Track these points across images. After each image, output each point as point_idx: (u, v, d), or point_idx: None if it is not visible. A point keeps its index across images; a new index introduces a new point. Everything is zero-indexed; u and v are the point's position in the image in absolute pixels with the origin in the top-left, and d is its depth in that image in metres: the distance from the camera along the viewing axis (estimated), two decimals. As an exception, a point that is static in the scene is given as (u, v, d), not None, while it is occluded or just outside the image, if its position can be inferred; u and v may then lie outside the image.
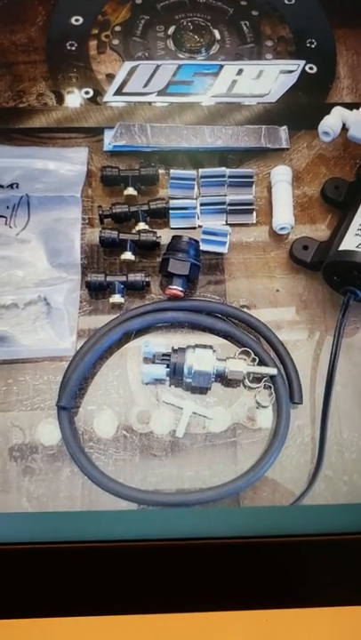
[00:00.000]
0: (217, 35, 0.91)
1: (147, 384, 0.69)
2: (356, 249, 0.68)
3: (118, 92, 0.85)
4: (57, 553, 0.55)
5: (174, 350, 0.68)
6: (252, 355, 0.69)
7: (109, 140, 0.81)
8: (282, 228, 0.76)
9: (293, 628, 0.60)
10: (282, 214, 0.76)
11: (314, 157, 0.83)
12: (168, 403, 0.68)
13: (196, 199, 0.78)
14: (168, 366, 0.67)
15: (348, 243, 0.69)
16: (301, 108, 0.86)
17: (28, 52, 0.89)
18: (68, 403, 0.66)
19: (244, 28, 0.92)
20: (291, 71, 0.88)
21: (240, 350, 0.70)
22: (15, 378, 0.69)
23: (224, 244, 0.74)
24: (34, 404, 0.68)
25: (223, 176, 0.78)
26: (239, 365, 0.68)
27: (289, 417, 0.67)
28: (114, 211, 0.75)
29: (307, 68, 0.88)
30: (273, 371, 0.68)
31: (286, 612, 0.59)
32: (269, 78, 0.87)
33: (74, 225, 0.76)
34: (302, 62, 0.89)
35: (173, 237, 0.73)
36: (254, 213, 0.78)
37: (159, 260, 0.73)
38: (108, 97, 0.85)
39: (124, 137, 0.81)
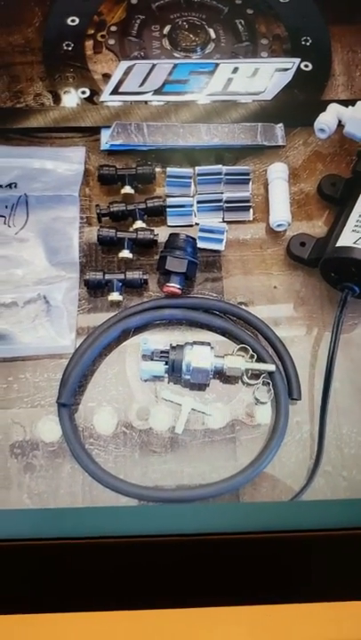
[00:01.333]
0: (212, 33, 0.91)
1: (145, 381, 0.69)
2: (354, 245, 0.68)
3: (115, 91, 0.85)
4: (58, 549, 0.55)
5: (172, 347, 0.68)
6: (251, 351, 0.69)
7: (106, 139, 0.82)
8: (279, 225, 0.77)
9: (293, 622, 0.60)
10: (279, 211, 0.77)
11: (310, 154, 0.83)
12: (167, 399, 0.69)
13: (192, 197, 0.78)
14: (167, 363, 0.68)
15: (346, 239, 0.69)
16: (297, 106, 0.86)
17: (25, 52, 0.89)
18: (68, 400, 0.67)
19: (240, 26, 0.92)
20: (286, 69, 0.88)
21: (238, 347, 0.70)
22: (15, 375, 0.69)
23: (221, 241, 0.74)
24: (34, 402, 0.68)
25: (220, 173, 0.79)
26: (237, 362, 0.68)
27: (288, 413, 0.67)
28: (111, 209, 0.75)
29: (302, 66, 0.88)
30: (271, 367, 0.68)
31: (286, 607, 0.59)
32: (265, 76, 0.87)
33: (72, 224, 0.76)
34: (297, 60, 0.89)
35: (171, 235, 0.73)
36: (251, 210, 0.78)
37: (157, 257, 0.74)
38: (105, 96, 0.85)
39: (121, 136, 0.81)
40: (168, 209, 0.77)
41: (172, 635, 0.59)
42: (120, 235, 0.74)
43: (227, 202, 0.78)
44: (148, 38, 0.91)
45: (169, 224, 0.77)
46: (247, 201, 0.78)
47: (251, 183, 0.79)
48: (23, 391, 0.68)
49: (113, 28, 0.91)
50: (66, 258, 0.74)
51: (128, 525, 0.57)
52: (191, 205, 0.78)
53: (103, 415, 0.68)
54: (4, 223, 0.76)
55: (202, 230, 0.74)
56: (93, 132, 0.83)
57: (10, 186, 0.78)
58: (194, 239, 0.73)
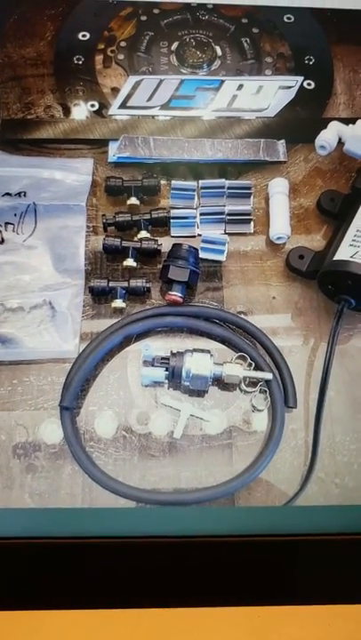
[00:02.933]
0: (218, 51, 0.92)
1: (146, 386, 0.70)
2: (350, 259, 0.69)
3: (123, 105, 0.87)
4: (57, 548, 0.56)
5: (173, 354, 0.69)
6: (249, 359, 0.70)
7: (114, 151, 0.83)
8: (278, 238, 0.78)
9: (284, 624, 0.61)
10: (279, 224, 0.78)
11: (310, 170, 0.84)
12: (166, 405, 0.69)
13: (195, 209, 0.79)
14: (167, 369, 0.68)
15: (343, 253, 0.70)
16: (299, 123, 0.87)
17: (37, 65, 0.90)
18: (71, 403, 0.67)
19: (245, 44, 0.93)
20: (289, 87, 0.89)
21: (237, 355, 0.71)
22: (20, 378, 0.70)
23: (222, 252, 0.75)
24: (37, 404, 0.69)
25: (222, 187, 0.80)
26: (236, 370, 0.69)
27: (283, 420, 0.68)
28: (117, 219, 0.77)
29: (305, 84, 0.90)
30: (268, 375, 0.69)
31: (278, 608, 0.60)
32: (269, 93, 0.88)
33: (79, 232, 0.77)
34: (300, 78, 0.90)
35: (174, 245, 0.74)
36: (252, 223, 0.79)
37: (160, 266, 0.74)
38: (113, 110, 0.86)
39: (128, 149, 0.83)
40: (172, 220, 0.78)
41: (168, 633, 0.60)
42: (125, 244, 0.75)
43: (229, 214, 0.79)
44: (156, 54, 0.92)
45: (172, 234, 0.78)
46: (248, 214, 0.79)
47: (252, 197, 0.80)
48: (27, 394, 0.69)
49: (123, 44, 0.92)
50: (72, 265, 0.75)
51: (126, 526, 0.57)
52: (194, 217, 0.78)
53: (104, 419, 0.68)
54: (13, 230, 0.77)
55: (204, 241, 0.75)
56: (101, 144, 0.84)
57: (19, 194, 0.79)
58: (196, 249, 0.74)
